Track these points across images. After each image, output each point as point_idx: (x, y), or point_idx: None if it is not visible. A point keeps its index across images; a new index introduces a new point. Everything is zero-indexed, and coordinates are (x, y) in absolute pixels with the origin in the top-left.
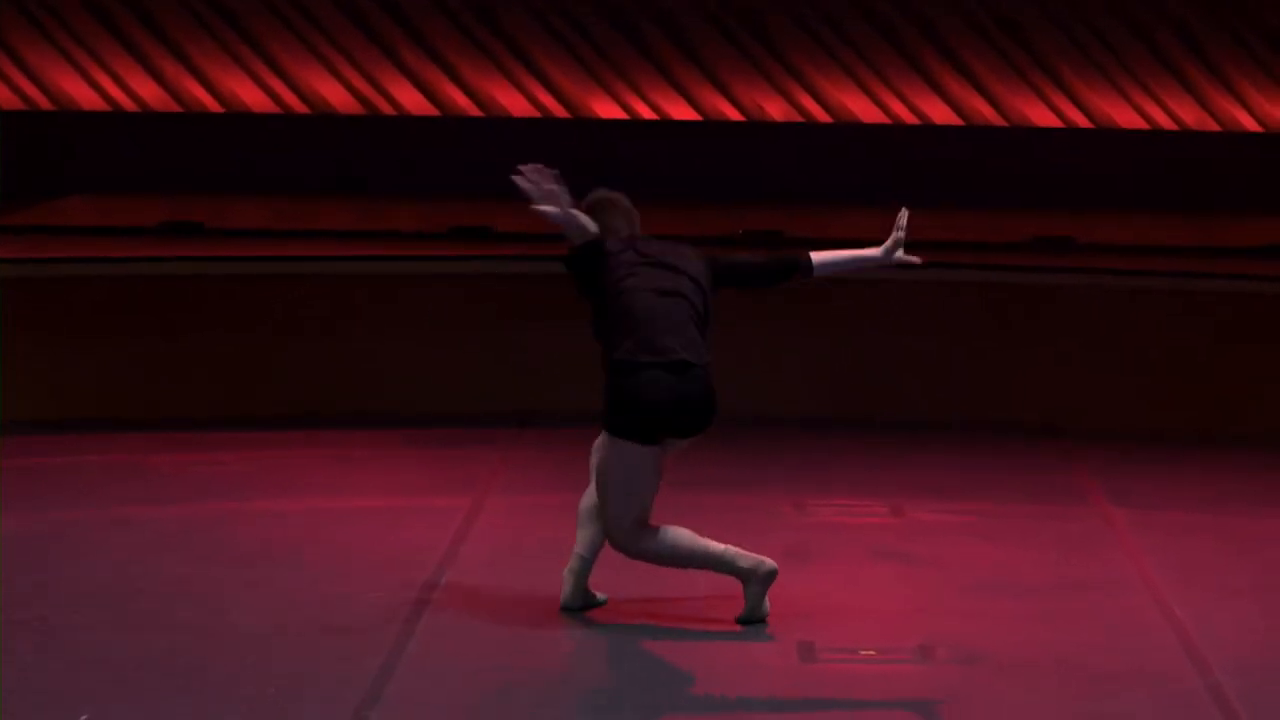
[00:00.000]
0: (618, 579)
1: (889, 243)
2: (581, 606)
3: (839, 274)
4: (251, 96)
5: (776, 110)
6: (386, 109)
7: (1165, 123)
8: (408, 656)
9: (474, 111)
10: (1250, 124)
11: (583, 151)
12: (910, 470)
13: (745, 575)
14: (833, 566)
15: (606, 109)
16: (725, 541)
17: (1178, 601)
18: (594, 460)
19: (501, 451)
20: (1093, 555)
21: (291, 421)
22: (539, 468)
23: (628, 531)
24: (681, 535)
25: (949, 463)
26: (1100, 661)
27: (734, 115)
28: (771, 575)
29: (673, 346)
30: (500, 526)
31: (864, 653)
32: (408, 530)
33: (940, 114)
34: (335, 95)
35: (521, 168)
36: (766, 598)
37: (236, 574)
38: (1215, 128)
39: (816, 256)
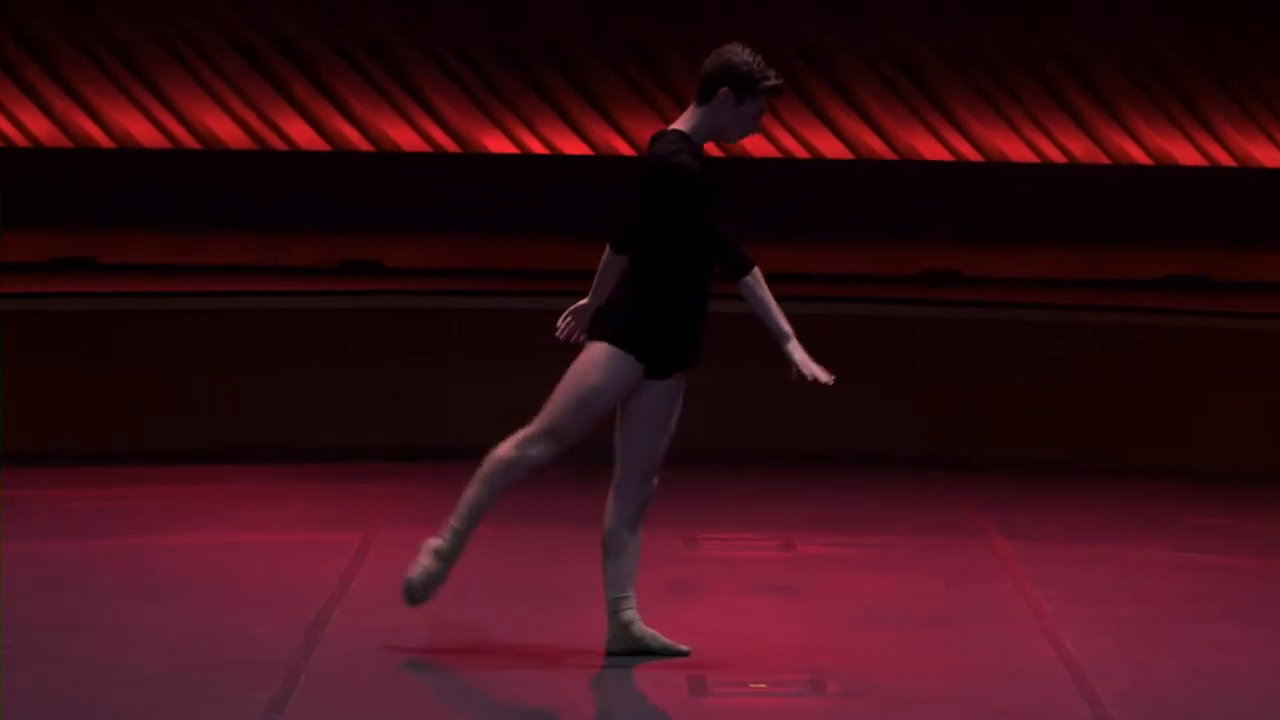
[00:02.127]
0: (510, 610)
1: (792, 355)
2: (660, 648)
3: (753, 309)
4: (142, 131)
5: None
6: (277, 144)
7: (1054, 155)
8: (299, 692)
9: (365, 146)
10: (1140, 156)
11: (473, 186)
12: (801, 503)
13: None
14: (722, 600)
15: (497, 144)
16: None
17: (1066, 632)
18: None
19: (391, 485)
20: (981, 586)
21: (183, 456)
22: (429, 502)
23: (544, 441)
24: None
25: (839, 495)
26: (990, 693)
27: (625, 150)
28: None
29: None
30: (391, 561)
31: (754, 686)
32: (298, 565)
33: (831, 148)
34: (226, 130)
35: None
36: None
37: (128, 609)
38: (1105, 160)
39: (755, 283)
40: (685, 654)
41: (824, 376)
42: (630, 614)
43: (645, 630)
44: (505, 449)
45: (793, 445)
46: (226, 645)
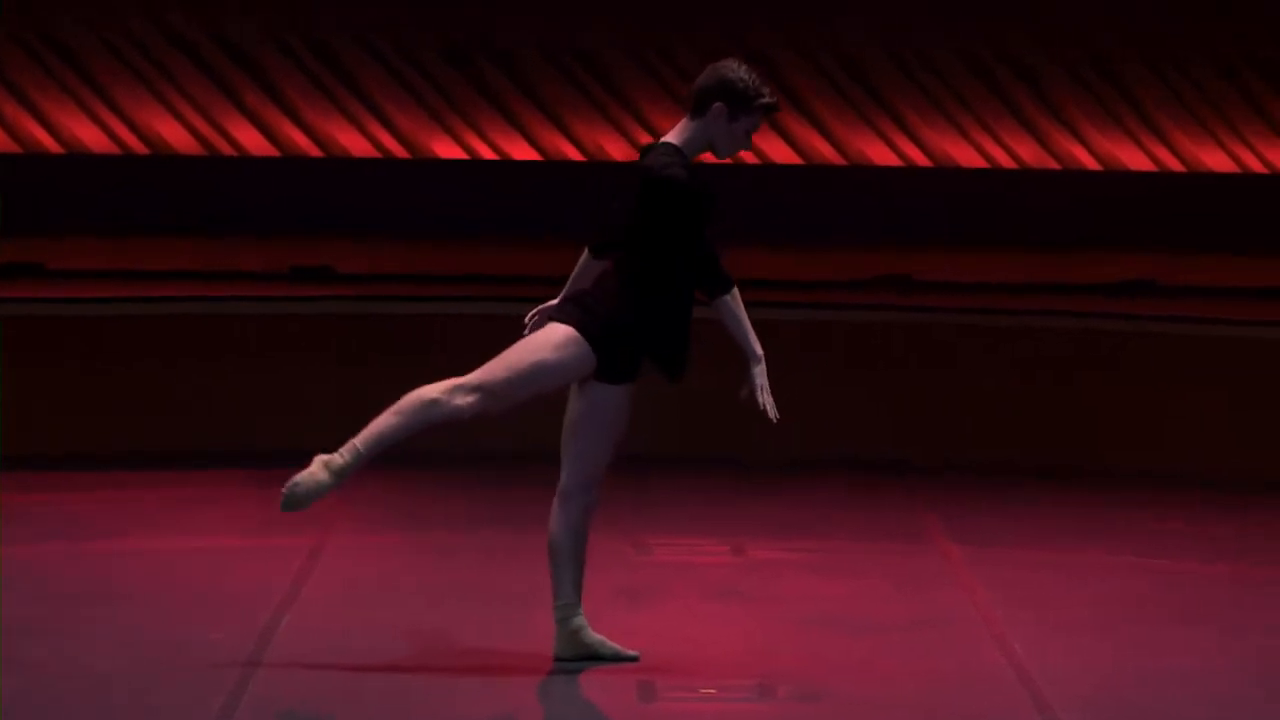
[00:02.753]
0: (459, 615)
1: (755, 378)
2: (613, 654)
3: (727, 326)
4: (90, 136)
5: (617, 150)
6: (226, 149)
7: (1004, 160)
8: (249, 696)
9: (314, 152)
10: (1089, 162)
11: (423, 192)
12: (751, 508)
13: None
14: (672, 605)
15: (446, 149)
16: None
17: (1017, 638)
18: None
19: (342, 491)
20: (931, 591)
21: (133, 461)
22: (379, 507)
23: (475, 395)
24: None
25: (791, 500)
26: (940, 699)
27: (574, 155)
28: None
29: None
30: (342, 566)
31: (704, 691)
32: (249, 570)
33: (780, 153)
34: (175, 135)
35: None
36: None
37: (79, 613)
38: (1054, 165)
39: (734, 301)
40: (634, 659)
41: (772, 412)
42: (579, 620)
43: (594, 637)
44: (432, 389)
45: (744, 451)
46: (179, 649)
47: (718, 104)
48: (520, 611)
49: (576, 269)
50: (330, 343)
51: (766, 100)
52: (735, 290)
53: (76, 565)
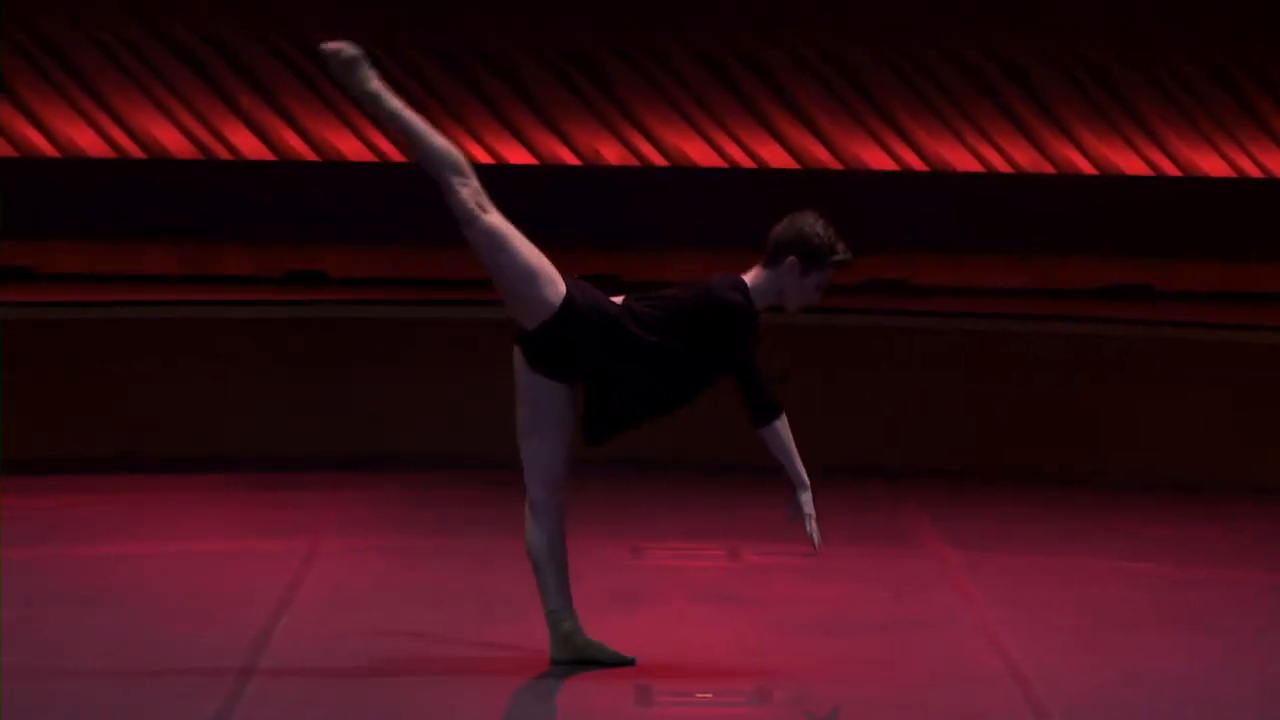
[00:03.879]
0: (454, 620)
1: (804, 507)
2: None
3: (773, 454)
4: (87, 140)
5: (612, 154)
6: (222, 153)
7: (1000, 164)
8: (244, 701)
9: (310, 156)
10: (1085, 166)
11: (418, 196)
12: (745, 512)
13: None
14: (668, 609)
15: None
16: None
17: (1012, 642)
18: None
19: (335, 495)
20: (926, 595)
21: (123, 465)
22: (373, 511)
23: (480, 218)
24: None
25: (784, 504)
26: (937, 702)
27: (570, 159)
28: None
29: None
30: (335, 570)
31: (700, 695)
32: (242, 574)
33: (776, 157)
34: (170, 139)
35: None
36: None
37: (70, 617)
38: (1049, 169)
39: (783, 428)
40: (630, 663)
41: (817, 539)
42: (571, 624)
43: (588, 640)
44: (466, 181)
45: (736, 455)
46: (170, 652)
47: (791, 258)
48: (515, 615)
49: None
50: (321, 347)
51: (840, 257)
52: (784, 418)
53: (67, 568)
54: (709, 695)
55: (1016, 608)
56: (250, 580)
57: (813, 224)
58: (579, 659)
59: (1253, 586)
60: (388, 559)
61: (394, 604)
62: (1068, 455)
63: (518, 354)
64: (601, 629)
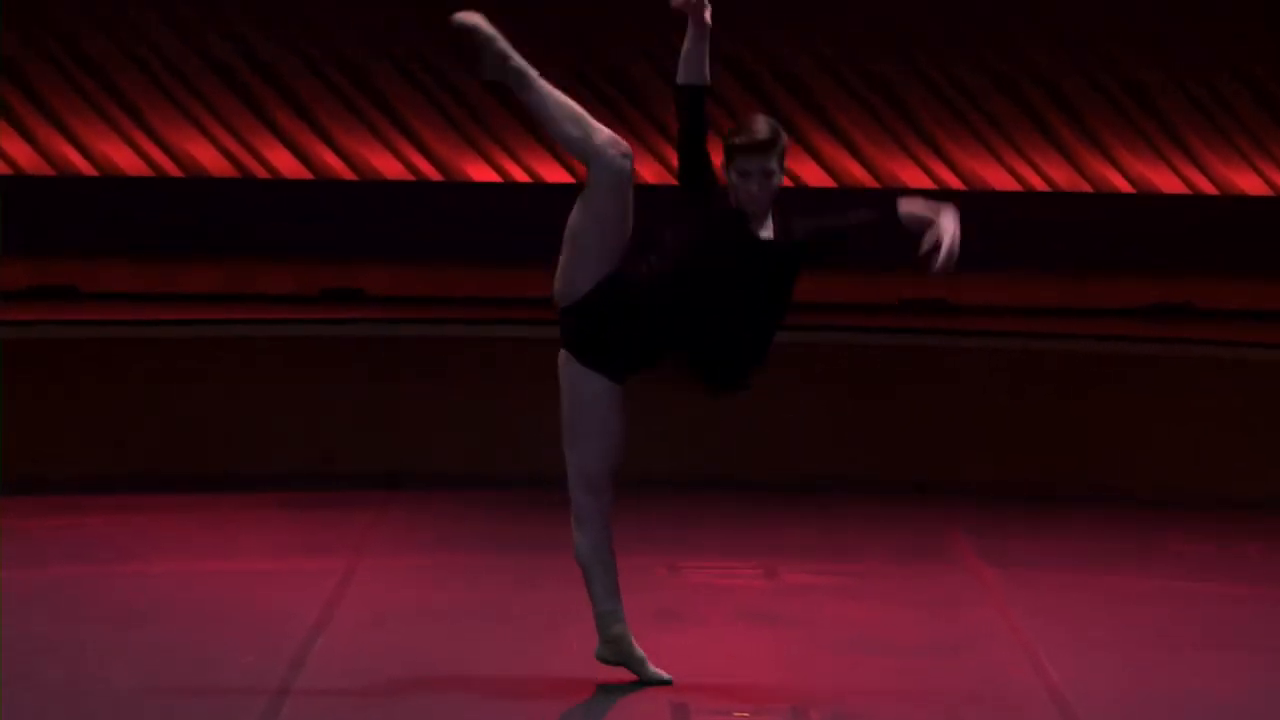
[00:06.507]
0: (491, 638)
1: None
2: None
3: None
4: (124, 158)
5: (649, 172)
6: (260, 171)
7: (1037, 183)
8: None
9: (347, 174)
10: (1122, 184)
11: (456, 214)
12: (783, 531)
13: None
14: (705, 628)
15: (480, 171)
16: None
17: (1051, 661)
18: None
19: (373, 514)
20: (964, 614)
21: (162, 483)
22: (411, 530)
23: (610, 145)
24: None
25: (821, 523)
26: None
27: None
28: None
29: None
30: (373, 590)
31: (737, 714)
32: (280, 593)
33: (813, 176)
34: (208, 157)
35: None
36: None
37: (107, 634)
38: (1087, 188)
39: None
40: (668, 683)
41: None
42: (620, 628)
43: (634, 649)
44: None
45: (773, 473)
46: (207, 670)
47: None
48: (551, 632)
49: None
50: (360, 365)
51: (731, 140)
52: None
53: (106, 587)
54: (746, 714)
55: (1056, 626)
56: (289, 599)
57: (739, 120)
58: (623, 662)
59: None
60: (427, 577)
61: (432, 623)
62: (1106, 473)
63: (563, 353)
64: (640, 646)
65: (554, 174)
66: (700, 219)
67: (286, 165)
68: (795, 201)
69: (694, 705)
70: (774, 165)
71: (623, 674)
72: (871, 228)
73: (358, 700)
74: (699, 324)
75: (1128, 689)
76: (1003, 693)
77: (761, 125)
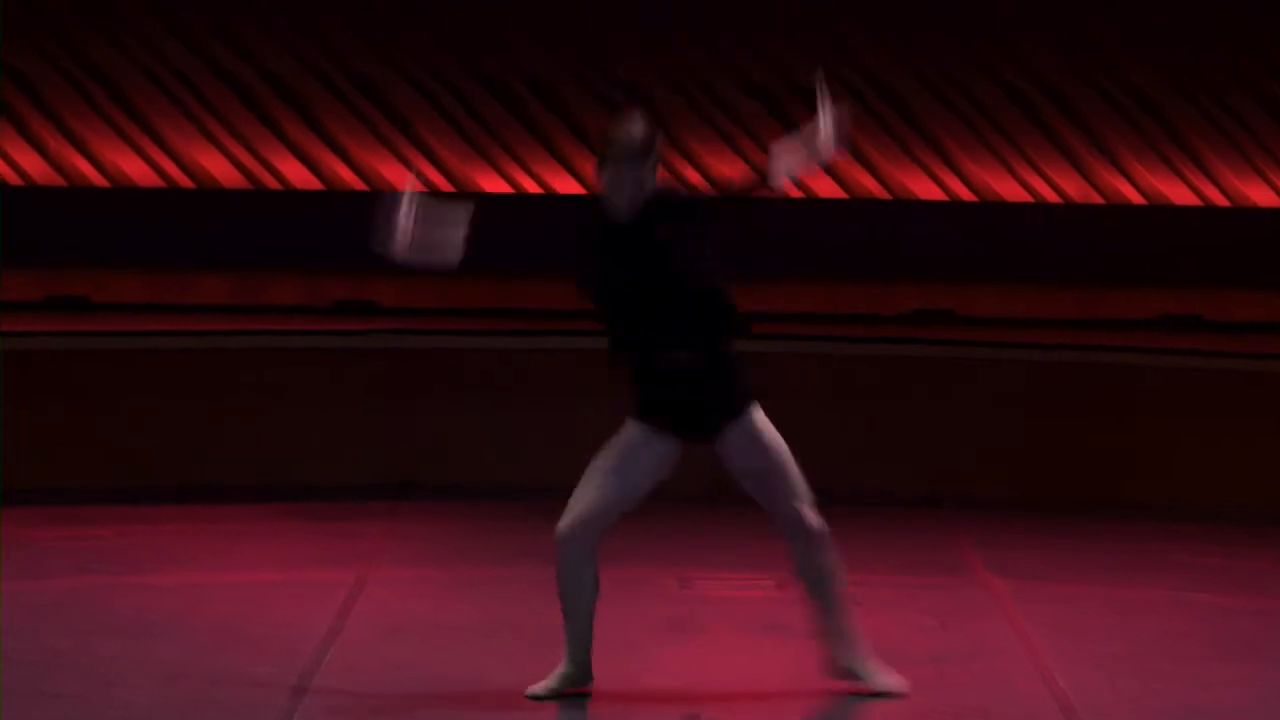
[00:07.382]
0: (502, 652)
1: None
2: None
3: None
4: (136, 170)
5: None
6: (271, 183)
7: (1049, 195)
8: None
9: (359, 186)
10: (1134, 196)
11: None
12: None
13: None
14: (717, 640)
15: (491, 183)
16: (608, 614)
17: (1060, 672)
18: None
19: (385, 525)
20: (974, 625)
21: (172, 495)
22: (422, 541)
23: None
24: None
25: (833, 535)
26: None
27: None
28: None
29: None
30: (385, 601)
31: None
32: (292, 604)
33: (824, 188)
34: (220, 169)
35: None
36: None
37: (118, 646)
38: (1099, 200)
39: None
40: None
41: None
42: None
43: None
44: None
45: None
46: (218, 683)
47: None
48: (563, 646)
49: None
50: (374, 377)
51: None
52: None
53: (118, 598)
54: None
55: (1066, 638)
56: (300, 611)
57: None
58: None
59: None
60: (439, 589)
61: (444, 635)
62: (1116, 485)
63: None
64: (650, 659)
65: (565, 185)
66: (591, 241)
67: (298, 176)
68: (810, 215)
69: (706, 715)
70: (646, 173)
71: (632, 685)
72: (760, 174)
73: (369, 713)
74: (648, 319)
75: (1137, 701)
76: (1014, 704)
77: (634, 131)
